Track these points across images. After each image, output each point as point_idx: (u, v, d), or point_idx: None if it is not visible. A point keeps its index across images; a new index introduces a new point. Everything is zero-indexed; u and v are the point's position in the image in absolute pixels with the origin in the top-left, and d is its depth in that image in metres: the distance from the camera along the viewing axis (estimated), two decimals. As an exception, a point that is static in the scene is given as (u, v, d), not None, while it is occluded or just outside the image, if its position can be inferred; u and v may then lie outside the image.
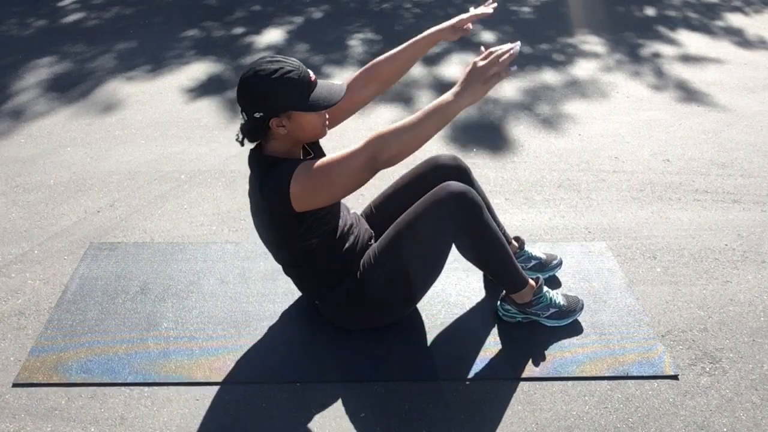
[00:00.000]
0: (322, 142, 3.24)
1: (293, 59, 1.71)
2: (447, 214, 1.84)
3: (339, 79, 4.00)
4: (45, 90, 3.89)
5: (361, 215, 2.21)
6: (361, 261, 1.95)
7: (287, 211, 1.71)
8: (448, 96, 1.58)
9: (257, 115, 1.68)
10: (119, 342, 2.03)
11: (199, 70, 4.15)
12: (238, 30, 4.86)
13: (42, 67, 4.22)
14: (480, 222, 1.86)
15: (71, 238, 2.55)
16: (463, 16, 1.93)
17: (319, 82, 1.75)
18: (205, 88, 3.89)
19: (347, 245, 1.93)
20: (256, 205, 1.80)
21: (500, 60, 1.57)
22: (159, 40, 4.68)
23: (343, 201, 2.72)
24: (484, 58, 1.59)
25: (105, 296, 2.22)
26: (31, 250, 2.49)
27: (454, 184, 1.86)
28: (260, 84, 1.65)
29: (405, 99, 3.71)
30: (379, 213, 2.16)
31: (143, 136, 3.36)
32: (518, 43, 1.59)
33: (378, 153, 1.59)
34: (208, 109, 3.63)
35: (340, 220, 1.93)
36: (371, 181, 2.88)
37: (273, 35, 4.75)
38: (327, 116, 1.81)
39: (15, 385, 1.88)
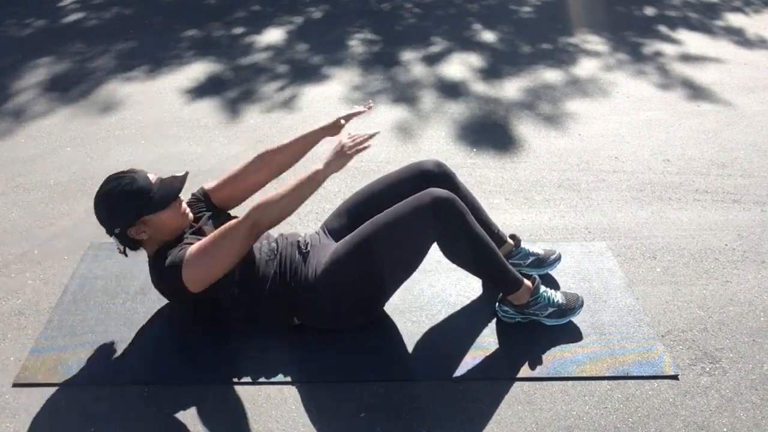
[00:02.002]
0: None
1: (131, 169, 1.89)
2: (429, 219, 1.85)
3: (337, 81, 4.01)
4: (45, 90, 3.89)
5: (337, 211, 2.20)
6: (314, 261, 1.96)
7: (187, 294, 1.84)
8: (317, 165, 1.86)
9: (116, 231, 1.86)
10: (119, 342, 2.03)
11: (198, 70, 4.15)
12: (238, 30, 4.86)
13: (42, 67, 4.22)
14: (464, 229, 1.88)
15: (71, 238, 2.55)
16: (341, 115, 2.17)
17: (162, 180, 1.90)
18: (205, 88, 3.89)
19: (272, 273, 1.95)
20: (160, 291, 1.94)
21: (361, 141, 1.91)
22: (159, 40, 4.68)
23: (337, 202, 2.71)
24: (349, 138, 1.92)
25: (105, 296, 2.22)
26: (31, 250, 2.49)
27: (438, 191, 1.88)
28: (104, 205, 1.86)
29: (408, 99, 3.71)
30: (354, 212, 2.14)
31: (143, 136, 3.36)
32: (378, 131, 2.05)
33: (259, 221, 1.80)
34: (207, 109, 3.63)
35: (246, 265, 1.94)
36: (348, 182, 2.84)
37: (273, 35, 4.75)
38: (184, 205, 1.94)
39: (15, 385, 1.88)
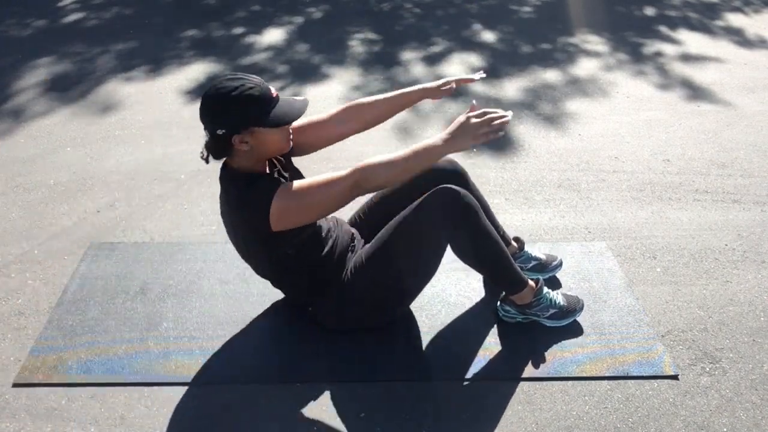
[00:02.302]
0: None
1: (254, 76, 1.73)
2: (442, 217, 1.84)
3: (337, 81, 4.01)
4: (45, 90, 3.89)
5: (356, 215, 2.21)
6: (351, 263, 1.96)
7: (264, 228, 1.72)
8: (437, 140, 1.68)
9: (219, 132, 1.70)
10: (119, 342, 2.03)
11: (199, 70, 4.15)
12: (238, 30, 4.86)
13: (42, 67, 4.22)
14: (476, 226, 1.87)
15: (71, 238, 2.55)
16: (450, 78, 2.00)
17: (281, 98, 1.77)
18: (205, 89, 3.88)
19: (325, 250, 1.93)
20: (230, 222, 1.82)
21: (492, 123, 1.66)
22: (159, 40, 4.68)
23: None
24: (478, 117, 1.67)
25: (105, 296, 2.23)
26: (31, 250, 2.49)
27: (450, 188, 1.87)
28: (221, 102, 1.68)
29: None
30: (372, 214, 2.16)
31: (143, 136, 3.36)
32: (510, 112, 1.70)
33: (364, 181, 1.68)
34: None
35: (318, 227, 1.93)
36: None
37: (273, 35, 4.75)
38: (291, 132, 1.82)
39: (15, 385, 1.88)
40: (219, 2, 5.48)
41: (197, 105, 3.68)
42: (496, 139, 1.65)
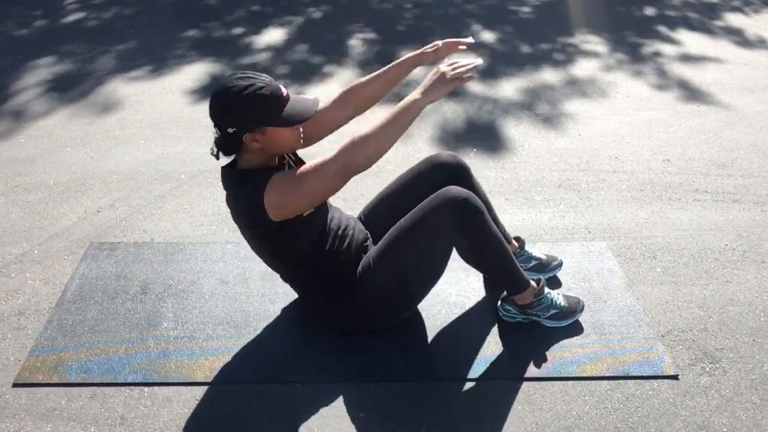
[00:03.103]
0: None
1: (264, 75, 1.74)
2: (447, 220, 1.84)
3: (337, 81, 4.01)
4: (45, 90, 3.89)
5: (360, 215, 2.21)
6: (360, 263, 1.95)
7: (266, 221, 1.73)
8: (414, 95, 1.68)
9: (230, 130, 1.70)
10: (119, 342, 2.03)
11: (199, 70, 4.15)
12: (238, 30, 4.86)
13: (42, 67, 4.22)
14: (481, 228, 1.86)
15: (71, 238, 2.55)
16: (439, 43, 1.99)
17: (292, 96, 1.77)
18: (205, 88, 3.89)
19: (342, 247, 1.93)
20: (237, 220, 1.82)
21: (463, 66, 1.70)
22: (159, 40, 4.68)
23: (336, 203, 2.72)
24: (449, 65, 1.70)
25: (105, 296, 2.22)
26: (31, 250, 2.49)
27: (455, 189, 1.86)
28: (233, 100, 1.68)
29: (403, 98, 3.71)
30: (378, 213, 2.16)
31: (143, 136, 3.36)
32: (480, 60, 1.73)
33: (352, 159, 1.66)
34: (208, 109, 3.62)
35: (331, 222, 1.93)
36: (372, 179, 2.88)
37: (273, 35, 4.75)
38: (301, 130, 1.83)
39: (15, 385, 1.88)
40: (219, 2, 5.48)
41: (197, 105, 3.68)
42: (467, 83, 1.70)
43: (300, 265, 1.90)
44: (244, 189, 1.73)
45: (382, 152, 1.68)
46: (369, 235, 2.10)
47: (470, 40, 1.99)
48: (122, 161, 3.12)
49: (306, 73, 4.06)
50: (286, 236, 1.80)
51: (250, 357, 1.98)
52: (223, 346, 2.01)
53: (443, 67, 1.70)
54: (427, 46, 1.98)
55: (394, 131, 1.66)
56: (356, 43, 4.57)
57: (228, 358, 1.97)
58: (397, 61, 1.98)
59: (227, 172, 1.81)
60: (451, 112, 3.57)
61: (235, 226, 2.61)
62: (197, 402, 1.83)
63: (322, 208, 1.89)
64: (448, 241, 1.88)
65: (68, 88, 3.91)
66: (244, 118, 1.69)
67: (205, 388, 1.88)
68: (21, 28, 4.96)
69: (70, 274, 2.34)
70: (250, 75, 1.71)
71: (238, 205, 1.75)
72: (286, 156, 1.92)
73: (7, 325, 2.12)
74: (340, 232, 1.94)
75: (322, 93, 3.81)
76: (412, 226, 1.86)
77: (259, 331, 2.07)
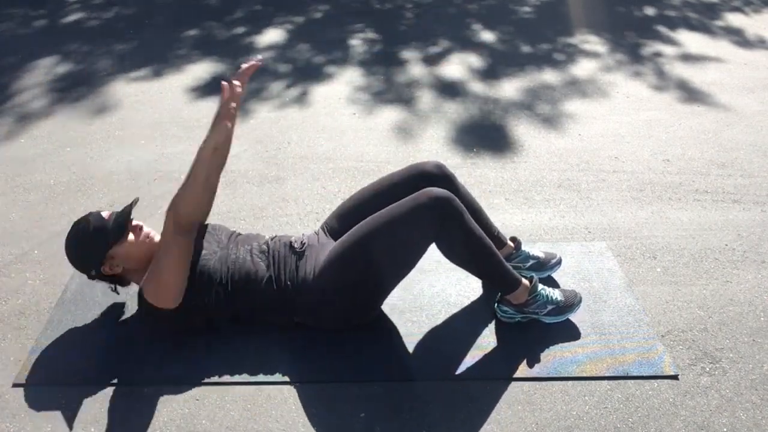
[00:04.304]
0: (327, 144, 3.24)
1: (90, 213, 1.95)
2: (427, 219, 1.84)
3: (337, 81, 4.01)
4: (45, 90, 3.89)
5: (324, 225, 2.16)
6: (312, 263, 1.95)
7: (162, 311, 1.89)
8: (205, 138, 1.83)
9: (93, 273, 1.96)
10: (119, 342, 2.03)
11: (199, 70, 4.15)
12: (239, 30, 4.86)
13: (42, 67, 4.22)
14: (461, 228, 1.88)
15: (71, 238, 2.55)
16: (234, 82, 1.88)
17: (115, 213, 1.97)
18: (206, 88, 3.89)
19: (265, 271, 1.96)
20: (159, 327, 2.01)
21: (233, 88, 1.84)
22: (159, 40, 4.68)
23: (338, 202, 2.72)
24: (228, 92, 1.83)
25: (105, 296, 2.22)
26: (31, 250, 2.49)
27: (437, 190, 1.87)
28: (72, 253, 1.94)
29: (408, 99, 3.71)
30: (354, 212, 2.11)
31: (143, 136, 3.36)
32: (259, 58, 1.90)
33: (179, 210, 1.84)
34: (208, 109, 3.63)
35: (228, 259, 1.96)
36: (348, 182, 2.86)
37: (273, 35, 4.75)
38: (145, 230, 1.99)
39: (15, 385, 1.89)
40: (219, 2, 5.48)
41: (198, 105, 3.69)
42: (233, 111, 1.80)
43: (239, 302, 1.96)
44: (139, 303, 1.93)
45: (198, 198, 1.86)
46: (295, 238, 2.04)
47: (258, 58, 1.99)
48: (122, 161, 3.12)
49: (307, 73, 4.07)
50: (195, 300, 1.91)
51: (250, 357, 1.98)
52: (223, 346, 2.01)
53: (222, 100, 1.82)
54: (221, 95, 1.85)
55: (197, 177, 1.82)
56: (357, 43, 4.57)
57: (228, 358, 1.97)
58: (204, 144, 1.84)
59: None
60: (451, 111, 3.57)
61: (236, 225, 2.61)
62: (197, 402, 1.83)
63: (195, 258, 1.94)
64: (425, 239, 1.89)
65: (68, 88, 3.91)
66: (89, 260, 1.93)
67: (206, 388, 1.88)
68: (21, 28, 4.96)
69: (70, 274, 2.34)
70: (74, 224, 1.94)
71: (142, 312, 1.94)
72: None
73: (7, 325, 2.12)
74: (248, 256, 1.99)
75: (323, 93, 3.81)
76: (389, 222, 1.86)
77: (258, 331, 2.07)
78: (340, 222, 2.13)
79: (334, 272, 1.91)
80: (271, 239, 2.07)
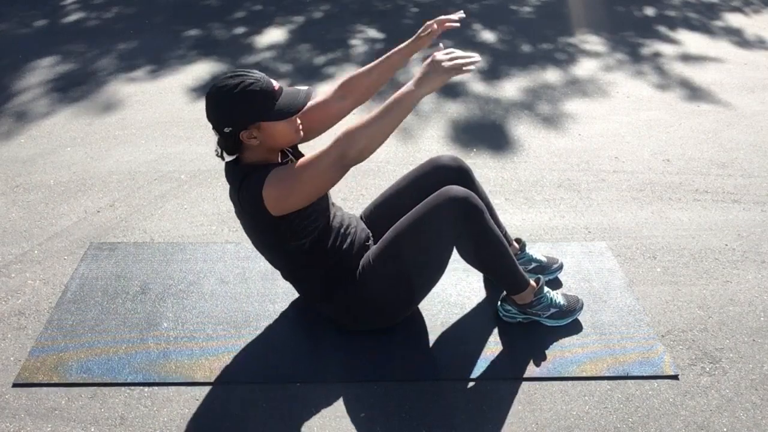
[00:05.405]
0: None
1: (255, 71, 1.74)
2: (448, 219, 1.84)
3: (338, 81, 4.01)
4: (45, 90, 3.89)
5: (361, 216, 2.21)
6: (360, 262, 1.96)
7: (267, 217, 1.74)
8: (409, 86, 1.63)
9: (227, 130, 1.71)
10: (119, 342, 2.03)
11: (199, 69, 4.15)
12: (239, 30, 4.86)
13: (42, 67, 4.22)
14: (482, 227, 1.86)
15: (71, 238, 2.55)
16: (429, 22, 1.95)
17: (285, 89, 1.77)
18: (206, 88, 3.89)
19: (344, 245, 1.93)
20: (240, 216, 1.83)
21: (460, 58, 1.63)
22: (159, 40, 4.68)
23: (338, 202, 2.72)
24: (446, 53, 1.64)
25: (105, 296, 2.23)
26: (31, 250, 2.49)
27: (456, 189, 1.86)
28: (224, 100, 1.69)
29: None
30: (380, 214, 2.16)
31: (143, 136, 3.36)
32: (477, 56, 1.66)
33: (347, 150, 1.62)
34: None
35: (333, 220, 1.93)
36: (372, 179, 2.88)
37: (274, 35, 4.75)
38: (299, 121, 1.83)
39: (15, 385, 1.89)
40: (220, 2, 5.48)
41: (198, 105, 3.69)
42: (467, 73, 1.69)
43: (301, 263, 1.90)
44: (245, 184, 1.74)
45: (376, 144, 1.64)
46: (371, 234, 2.10)
47: (461, 14, 1.96)
48: (122, 161, 3.12)
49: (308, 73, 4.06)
50: (287, 232, 1.80)
51: (250, 357, 1.98)
52: (223, 346, 2.02)
53: (439, 55, 1.64)
54: (420, 31, 1.96)
55: (389, 123, 1.62)
56: (357, 43, 4.57)
57: (228, 358, 1.97)
58: (395, 49, 1.97)
59: (230, 168, 1.82)
60: (451, 111, 3.57)
61: (236, 226, 2.61)
62: (197, 402, 1.83)
63: (323, 205, 1.89)
64: (449, 239, 1.87)
65: (68, 88, 3.91)
66: (238, 117, 1.69)
67: (205, 388, 1.88)
68: (21, 28, 4.96)
69: (70, 274, 2.34)
70: (240, 73, 1.72)
71: (240, 199, 1.76)
72: (286, 151, 1.92)
73: (7, 325, 2.12)
74: (342, 230, 1.95)
75: (321, 93, 3.81)
76: (412, 225, 1.86)
77: (259, 331, 2.07)
78: (373, 216, 2.17)
79: (368, 279, 1.92)
80: (356, 221, 2.07)
